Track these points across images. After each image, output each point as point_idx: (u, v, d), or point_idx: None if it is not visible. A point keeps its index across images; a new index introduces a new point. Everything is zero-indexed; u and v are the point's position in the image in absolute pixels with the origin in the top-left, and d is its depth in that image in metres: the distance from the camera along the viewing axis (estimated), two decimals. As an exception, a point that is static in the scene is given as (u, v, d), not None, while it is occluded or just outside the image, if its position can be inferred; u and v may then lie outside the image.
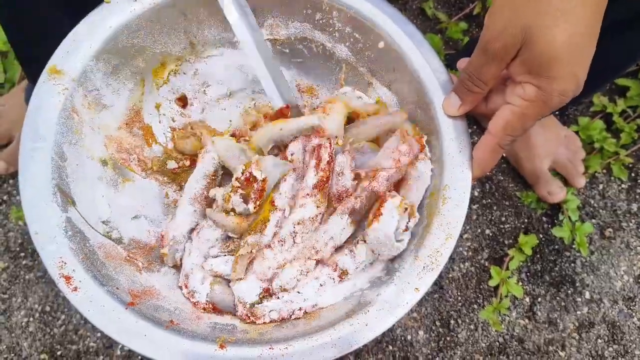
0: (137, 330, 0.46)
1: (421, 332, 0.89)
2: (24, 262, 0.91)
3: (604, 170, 1.00)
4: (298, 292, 0.54)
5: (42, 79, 0.53)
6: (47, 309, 0.88)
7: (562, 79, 0.44)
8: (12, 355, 0.84)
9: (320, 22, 0.60)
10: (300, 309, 0.53)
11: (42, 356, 0.85)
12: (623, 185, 0.99)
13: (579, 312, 0.91)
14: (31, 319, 0.87)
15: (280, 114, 0.60)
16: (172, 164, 0.64)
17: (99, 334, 0.87)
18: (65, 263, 0.47)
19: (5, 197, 0.94)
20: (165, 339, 0.46)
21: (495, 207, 0.97)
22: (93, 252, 0.51)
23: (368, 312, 0.48)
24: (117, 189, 0.59)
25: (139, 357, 0.86)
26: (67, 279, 0.47)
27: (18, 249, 0.91)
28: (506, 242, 0.95)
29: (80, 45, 0.54)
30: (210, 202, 0.59)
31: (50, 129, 0.51)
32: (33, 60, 0.55)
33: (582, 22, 0.42)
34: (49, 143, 0.51)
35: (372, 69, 0.62)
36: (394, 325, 0.86)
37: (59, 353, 0.86)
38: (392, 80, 0.60)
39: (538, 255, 0.94)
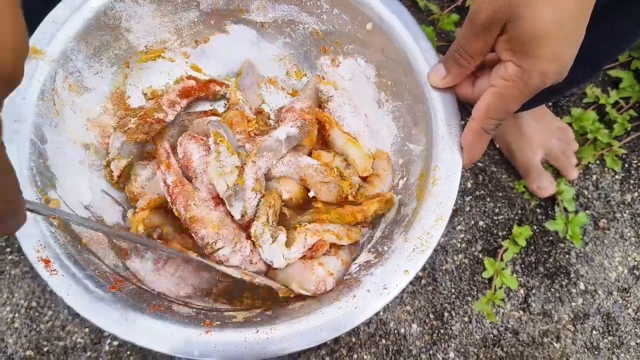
0: (119, 314, 0.45)
1: (415, 325, 0.87)
2: (9, 258, 0.89)
3: (598, 161, 0.99)
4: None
5: (21, 60, 0.51)
6: (34, 304, 0.86)
7: (544, 59, 0.42)
8: (-3, 351, 0.83)
9: (308, 4, 0.59)
10: None
11: (27, 352, 0.83)
12: (616, 176, 0.99)
13: (573, 304, 0.90)
14: (17, 314, 0.85)
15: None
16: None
17: (86, 330, 0.85)
18: (44, 246, 0.46)
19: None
20: (147, 323, 0.45)
21: (488, 199, 0.96)
22: (74, 236, 0.49)
23: (356, 295, 0.47)
24: (101, 173, 0.57)
25: (128, 353, 0.85)
26: (46, 262, 0.45)
27: (4, 244, 0.90)
28: (500, 233, 0.94)
29: (61, 26, 0.53)
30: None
31: (29, 110, 0.50)
32: None
33: (573, 1, 0.40)
34: (28, 125, 0.50)
35: (361, 51, 0.60)
36: (385, 310, 0.84)
37: (45, 349, 0.84)
38: (380, 62, 0.59)
39: (532, 247, 0.93)
